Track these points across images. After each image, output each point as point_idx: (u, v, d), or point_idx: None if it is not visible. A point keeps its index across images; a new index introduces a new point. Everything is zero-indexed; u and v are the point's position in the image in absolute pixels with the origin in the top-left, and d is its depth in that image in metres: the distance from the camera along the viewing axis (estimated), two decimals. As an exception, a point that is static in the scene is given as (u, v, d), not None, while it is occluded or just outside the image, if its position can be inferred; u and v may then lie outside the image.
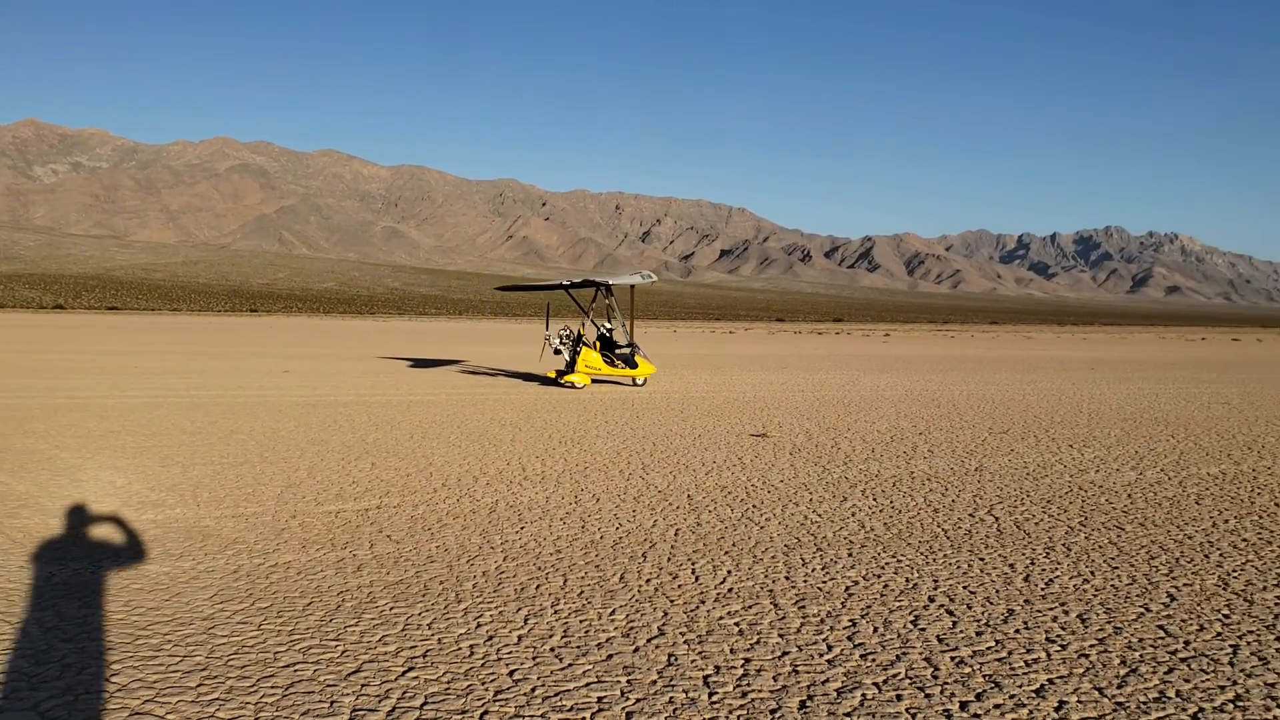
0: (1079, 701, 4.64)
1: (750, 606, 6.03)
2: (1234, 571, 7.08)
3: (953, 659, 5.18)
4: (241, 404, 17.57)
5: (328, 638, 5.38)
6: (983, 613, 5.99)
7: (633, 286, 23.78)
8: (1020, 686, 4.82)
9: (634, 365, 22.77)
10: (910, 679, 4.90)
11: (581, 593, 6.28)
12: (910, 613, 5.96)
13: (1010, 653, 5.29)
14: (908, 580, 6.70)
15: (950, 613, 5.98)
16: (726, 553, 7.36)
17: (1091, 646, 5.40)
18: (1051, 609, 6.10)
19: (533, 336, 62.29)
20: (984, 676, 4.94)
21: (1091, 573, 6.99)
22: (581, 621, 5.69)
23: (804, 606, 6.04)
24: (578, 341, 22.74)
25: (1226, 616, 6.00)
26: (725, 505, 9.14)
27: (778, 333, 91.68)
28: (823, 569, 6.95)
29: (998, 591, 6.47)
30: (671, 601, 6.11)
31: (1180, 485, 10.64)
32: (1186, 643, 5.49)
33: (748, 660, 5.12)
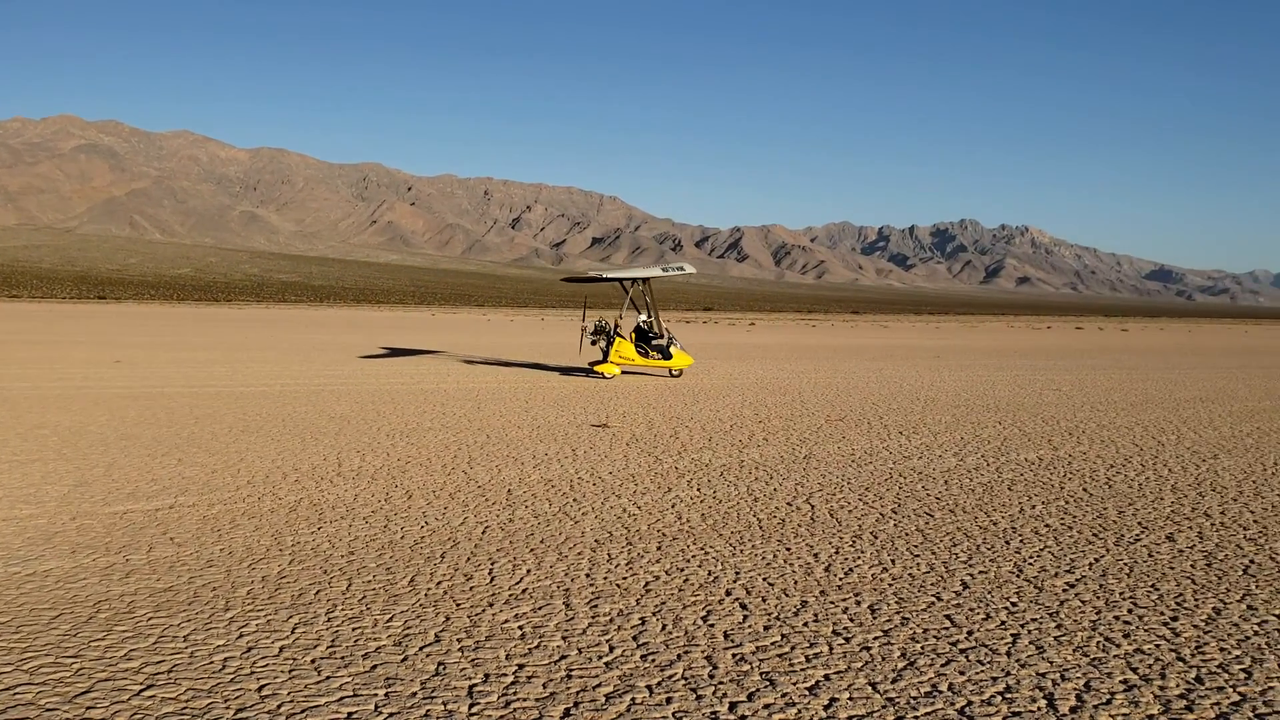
0: (850, 699, 4.57)
1: (540, 607, 5.80)
2: (1030, 558, 7.20)
3: (734, 656, 5.06)
4: (57, 396, 16.47)
5: (65, 655, 4.92)
6: (776, 605, 5.91)
7: (647, 280, 23.93)
8: (795, 684, 4.72)
9: (669, 356, 22.94)
10: (686, 679, 4.75)
11: (364, 598, 5.94)
12: (704, 608, 5.84)
13: (793, 647, 5.20)
14: (709, 573, 6.58)
15: (744, 606, 5.88)
16: (532, 550, 7.12)
17: (876, 639, 5.36)
18: (844, 600, 6.06)
19: (384, 324, 60.92)
20: (761, 674, 4.83)
21: (892, 561, 7.01)
22: (354, 630, 5.37)
23: (596, 605, 5.85)
24: (611, 333, 23.02)
25: (1014, 604, 6.06)
26: (544, 500, 8.90)
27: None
28: (627, 564, 6.78)
29: (796, 583, 6.41)
30: (458, 605, 5.83)
31: (997, 471, 10.89)
32: (970, 633, 5.50)
33: (521, 666, 4.89)
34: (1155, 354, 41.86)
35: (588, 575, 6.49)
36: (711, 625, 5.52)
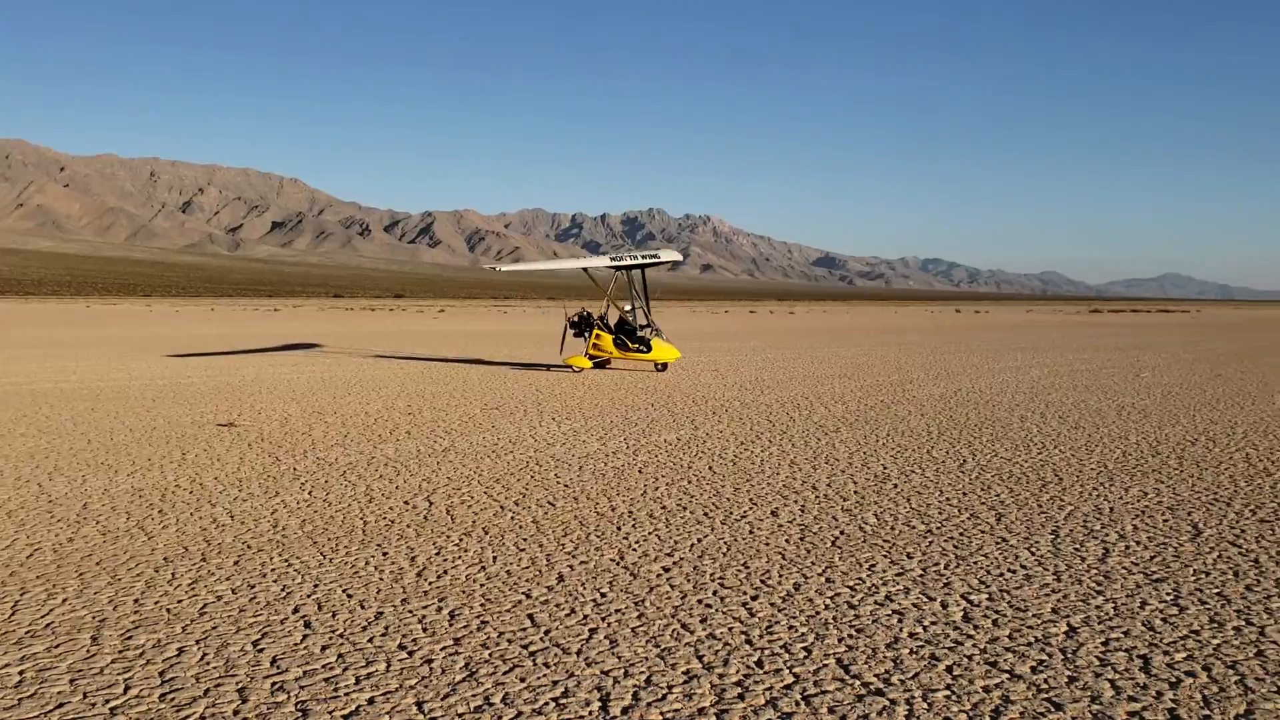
0: (387, 724, 4.13)
1: (59, 645, 4.95)
2: (637, 543, 7.10)
3: (273, 685, 4.48)
4: None
5: None
6: (345, 621, 5.38)
7: (627, 270, 22.17)
8: (331, 713, 4.22)
9: (649, 349, 21.36)
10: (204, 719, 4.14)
11: None
12: (261, 630, 5.21)
13: (346, 668, 4.70)
14: (284, 589, 5.95)
15: (308, 624, 5.30)
16: (80, 575, 6.18)
17: (443, 649, 4.97)
18: (426, 606, 5.63)
19: (24, 318, 54.71)
20: (296, 705, 4.28)
21: (494, 557, 6.68)
22: None
23: (131, 637, 5.07)
24: (591, 323, 21.67)
25: (603, 595, 5.87)
26: (123, 512, 7.88)
27: (329, 309, 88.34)
28: (190, 585, 6.01)
29: (379, 591, 5.91)
30: (-47, 650, 4.87)
31: (634, 454, 10.91)
32: (547, 632, 5.23)
33: (0, 723, 4.09)
34: (812, 334, 44.97)
35: (136, 601, 5.67)
36: (261, 650, 4.91)
